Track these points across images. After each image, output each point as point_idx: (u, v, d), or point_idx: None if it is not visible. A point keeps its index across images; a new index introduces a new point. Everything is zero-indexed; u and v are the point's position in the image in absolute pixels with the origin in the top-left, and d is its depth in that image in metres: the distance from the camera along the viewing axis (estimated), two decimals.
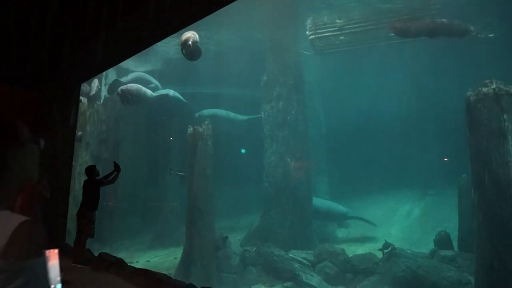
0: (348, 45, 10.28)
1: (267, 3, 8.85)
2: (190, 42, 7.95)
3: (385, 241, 9.09)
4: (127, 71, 12.84)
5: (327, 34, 9.93)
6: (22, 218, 1.12)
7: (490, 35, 7.45)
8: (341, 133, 12.59)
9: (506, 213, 6.58)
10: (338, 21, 9.69)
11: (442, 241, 9.00)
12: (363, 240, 11.16)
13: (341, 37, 10.03)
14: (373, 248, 9.56)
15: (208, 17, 3.72)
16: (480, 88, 6.63)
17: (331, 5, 9.42)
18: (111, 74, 12.44)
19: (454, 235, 9.09)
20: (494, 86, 6.53)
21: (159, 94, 11.85)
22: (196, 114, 12.47)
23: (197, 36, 7.95)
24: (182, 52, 8.49)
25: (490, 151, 6.60)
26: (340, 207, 11.90)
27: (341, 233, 11.94)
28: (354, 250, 10.05)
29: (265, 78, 11.11)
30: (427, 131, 12.50)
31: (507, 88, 6.39)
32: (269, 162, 11.03)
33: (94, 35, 4.68)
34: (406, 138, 12.75)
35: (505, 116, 6.43)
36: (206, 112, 12.55)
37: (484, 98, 6.54)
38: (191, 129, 10.05)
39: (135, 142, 12.61)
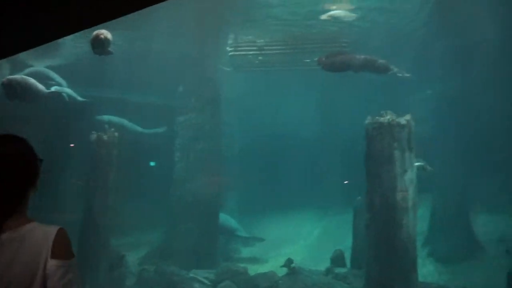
0: (266, 66, 10.61)
1: (190, 13, 8.68)
2: (102, 37, 7.35)
3: (289, 258, 9.34)
4: (23, 65, 11.36)
5: (247, 52, 10.12)
6: (52, 226, 1.57)
7: (407, 75, 8.08)
8: (254, 151, 12.80)
9: (392, 234, 7.21)
10: (258, 41, 9.96)
11: (337, 259, 9.56)
12: (267, 258, 11.32)
13: (260, 57, 10.30)
14: (275, 266, 9.71)
15: (126, 18, 3.27)
16: (377, 118, 7.27)
17: (254, 24, 9.64)
18: (4, 67, 10.90)
19: (348, 254, 9.68)
20: (388, 117, 7.22)
21: (53, 90, 10.50)
22: (96, 118, 11.45)
23: (109, 34, 7.40)
24: (93, 48, 7.78)
25: (382, 176, 7.23)
26: (232, 223, 11.96)
27: (246, 251, 11.98)
28: (257, 269, 10.09)
29: (181, 89, 10.83)
30: (332, 155, 13.39)
31: (398, 120, 7.11)
32: (178, 176, 10.64)
33: None
34: (313, 160, 13.49)
35: (395, 144, 7.13)
36: (107, 118, 11.59)
37: (379, 127, 7.19)
38: (95, 135, 9.21)
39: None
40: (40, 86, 10.31)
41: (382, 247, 7.31)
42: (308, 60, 10.34)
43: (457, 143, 9.24)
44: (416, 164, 8.94)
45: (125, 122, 11.99)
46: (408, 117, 7.18)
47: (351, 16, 8.42)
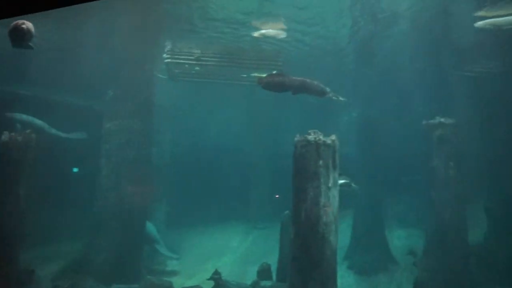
0: (202, 77, 10.58)
1: (127, 15, 8.37)
2: (24, 27, 6.66)
3: (216, 270, 9.24)
4: None
5: (183, 61, 10.00)
6: None
7: (342, 99, 8.48)
8: (185, 162, 12.59)
9: (315, 247, 7.51)
10: (196, 51, 9.91)
11: (264, 272, 9.70)
12: (193, 272, 11.08)
13: (196, 67, 10.25)
14: (202, 280, 9.55)
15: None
16: (305, 136, 7.60)
17: (192, 35, 9.59)
18: None
19: (275, 267, 9.87)
20: (316, 135, 7.59)
21: None
22: (6, 115, 10.36)
23: (32, 26, 6.76)
24: (12, 41, 7.05)
25: (307, 191, 7.54)
26: (153, 233, 11.63)
27: (171, 264, 11.62)
28: (183, 283, 9.85)
29: (112, 93, 10.33)
30: (263, 169, 13.67)
31: (324, 139, 7.50)
32: (102, 184, 10.04)
33: None
34: (244, 174, 13.64)
35: (321, 162, 7.49)
36: (19, 116, 10.56)
37: (307, 144, 7.52)
38: (6, 135, 8.35)
39: None
40: None
41: (305, 260, 7.57)
42: (244, 75, 10.55)
43: (374, 163, 10.03)
44: (342, 181, 9.53)
45: (39, 122, 10.96)
46: (333, 137, 7.61)
47: (282, 34, 8.78)
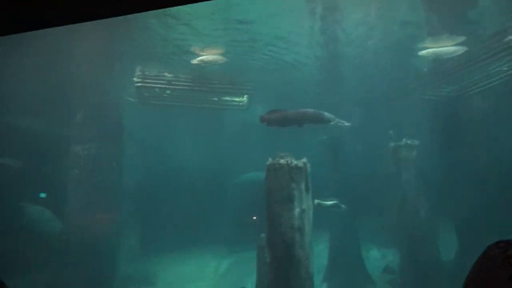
0: (172, 101, 10.50)
1: (95, 36, 8.19)
2: None
3: None
4: None
5: (154, 85, 9.91)
6: None
7: (347, 124, 8.56)
8: (158, 187, 12.31)
9: (290, 271, 7.42)
10: (167, 75, 9.84)
11: None
12: None
13: (167, 91, 10.17)
14: None
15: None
16: (277, 159, 7.60)
17: (161, 59, 9.49)
18: None
19: None
20: (287, 159, 7.61)
21: None
22: None
23: None
24: None
25: (281, 214, 7.49)
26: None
27: None
28: None
29: (80, 116, 10.07)
30: (239, 192, 13.52)
31: (296, 162, 7.53)
32: (69, 211, 9.65)
33: None
34: (217, 196, 13.46)
35: (293, 185, 7.49)
36: None
37: (279, 167, 7.51)
38: None
39: None
40: None
41: (282, 284, 7.47)
42: (215, 99, 10.54)
43: (344, 184, 10.17)
44: (331, 202, 9.62)
45: None
46: (304, 159, 7.65)
47: (221, 59, 8.86)
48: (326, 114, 8.58)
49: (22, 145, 9.70)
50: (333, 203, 9.59)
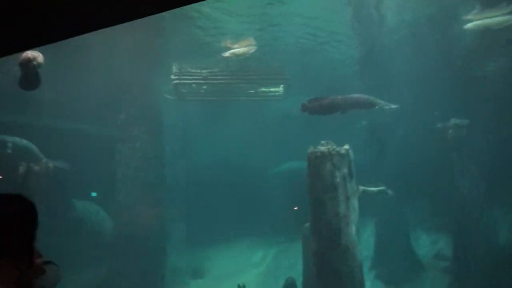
0: (209, 95, 10.65)
1: (132, 39, 8.48)
2: (34, 63, 6.58)
3: (238, 285, 9.15)
4: None
5: (191, 81, 10.08)
6: None
7: (394, 107, 8.26)
8: (201, 180, 12.57)
9: (337, 260, 7.31)
10: (203, 71, 9.99)
11: (289, 286, 9.55)
12: None
13: (204, 87, 10.32)
14: None
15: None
16: (318, 147, 7.48)
17: (199, 54, 9.68)
18: None
19: (300, 280, 9.66)
20: (329, 146, 7.47)
21: None
22: None
23: (42, 57, 6.69)
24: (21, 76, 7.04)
25: (325, 202, 7.38)
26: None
27: (195, 284, 11.53)
28: None
29: (123, 117, 10.51)
30: (281, 182, 13.51)
31: (338, 149, 7.37)
32: (119, 208, 10.11)
33: None
34: (261, 188, 13.51)
35: (336, 173, 7.34)
36: (11, 139, 10.01)
37: (321, 155, 7.39)
38: (24, 167, 8.53)
39: None
40: None
41: (330, 273, 7.37)
42: (252, 91, 10.54)
43: (391, 169, 9.80)
44: (379, 189, 9.38)
45: (31, 145, 10.24)
46: (347, 146, 7.47)
47: (253, 49, 8.80)
48: (376, 98, 8.29)
49: (73, 147, 10.23)
50: (380, 189, 9.31)
